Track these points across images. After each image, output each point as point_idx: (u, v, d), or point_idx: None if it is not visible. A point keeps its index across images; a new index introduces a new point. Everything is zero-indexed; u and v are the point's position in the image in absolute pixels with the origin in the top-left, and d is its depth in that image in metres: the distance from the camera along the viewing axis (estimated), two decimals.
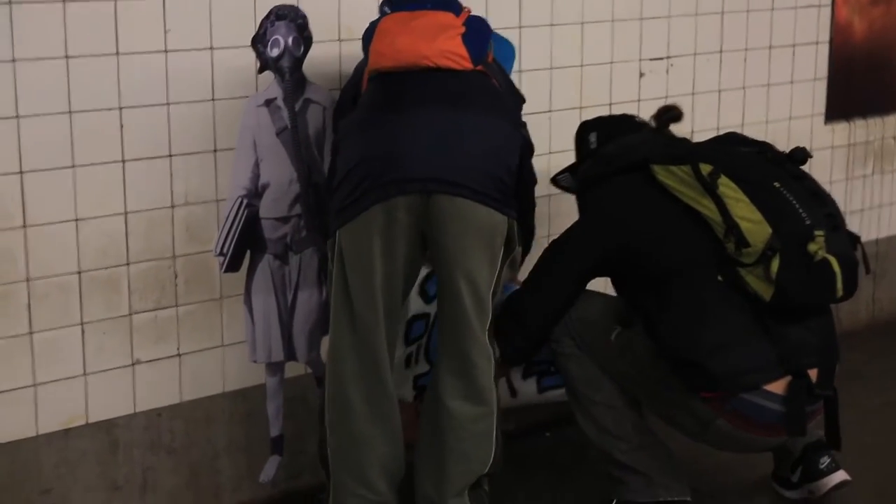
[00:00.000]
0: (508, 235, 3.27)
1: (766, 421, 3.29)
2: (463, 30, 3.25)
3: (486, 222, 3.16)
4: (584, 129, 3.82)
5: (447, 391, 3.25)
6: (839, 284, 3.24)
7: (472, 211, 3.14)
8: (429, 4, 3.31)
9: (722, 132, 4.40)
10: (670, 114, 3.68)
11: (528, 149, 3.49)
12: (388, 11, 3.34)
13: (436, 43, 3.21)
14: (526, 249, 3.51)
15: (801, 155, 3.46)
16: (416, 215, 3.15)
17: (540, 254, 3.65)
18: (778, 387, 3.27)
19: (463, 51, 3.23)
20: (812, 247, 3.20)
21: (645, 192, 3.43)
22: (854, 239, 3.38)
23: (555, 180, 3.85)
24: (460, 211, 3.13)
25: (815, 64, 4.89)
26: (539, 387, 4.10)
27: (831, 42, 4.92)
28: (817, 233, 3.22)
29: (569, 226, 3.65)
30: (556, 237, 3.65)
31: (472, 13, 3.35)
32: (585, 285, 3.61)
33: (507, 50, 3.81)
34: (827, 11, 4.88)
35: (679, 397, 3.35)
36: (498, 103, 3.28)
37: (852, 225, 5.04)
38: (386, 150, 3.16)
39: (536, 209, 3.51)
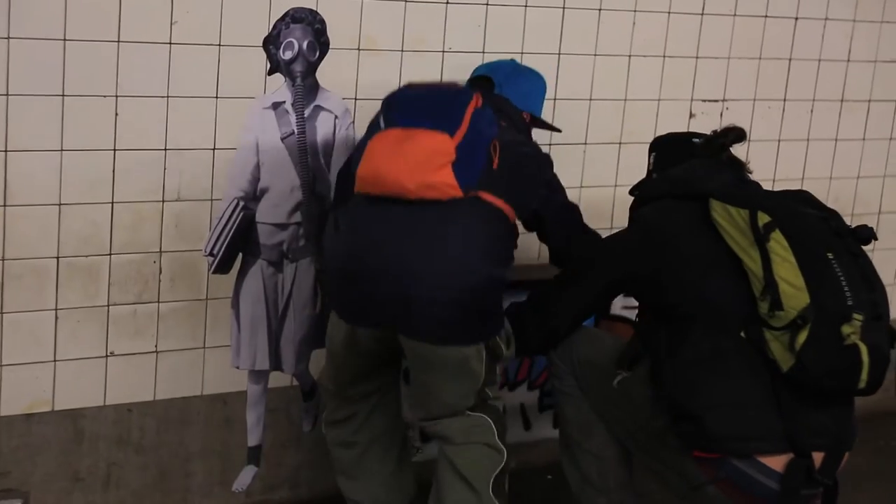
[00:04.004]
0: (490, 353, 3.18)
1: (759, 496, 3.08)
2: (453, 157, 3.00)
3: (453, 359, 3.10)
4: (651, 147, 3.66)
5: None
6: (864, 375, 2.98)
7: (438, 352, 3.08)
8: (427, 123, 3.03)
9: (779, 184, 4.23)
10: (732, 135, 3.46)
11: (566, 214, 3.48)
12: (382, 124, 3.10)
13: (419, 175, 2.99)
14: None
15: (865, 234, 3.19)
16: (382, 341, 3.15)
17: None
18: (777, 463, 3.06)
19: (451, 179, 3.01)
20: (846, 329, 2.97)
21: (694, 224, 3.24)
22: (893, 335, 3.12)
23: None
24: (424, 353, 3.09)
25: (892, 123, 4.62)
26: (555, 421, 3.97)
27: None
28: (856, 316, 2.98)
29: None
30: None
31: (481, 105, 3.13)
32: (611, 297, 3.51)
33: (536, 84, 3.60)
34: None
35: (673, 455, 3.17)
36: (481, 233, 3.08)
37: None
38: (356, 272, 3.08)
39: None
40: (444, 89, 3.27)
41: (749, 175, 3.49)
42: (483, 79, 3.49)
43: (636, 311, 3.59)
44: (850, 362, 2.97)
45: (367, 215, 3.08)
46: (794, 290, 3.00)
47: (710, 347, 3.10)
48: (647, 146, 3.96)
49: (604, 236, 3.53)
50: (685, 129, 4.13)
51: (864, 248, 3.19)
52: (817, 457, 3.06)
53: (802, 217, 3.17)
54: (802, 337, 2.96)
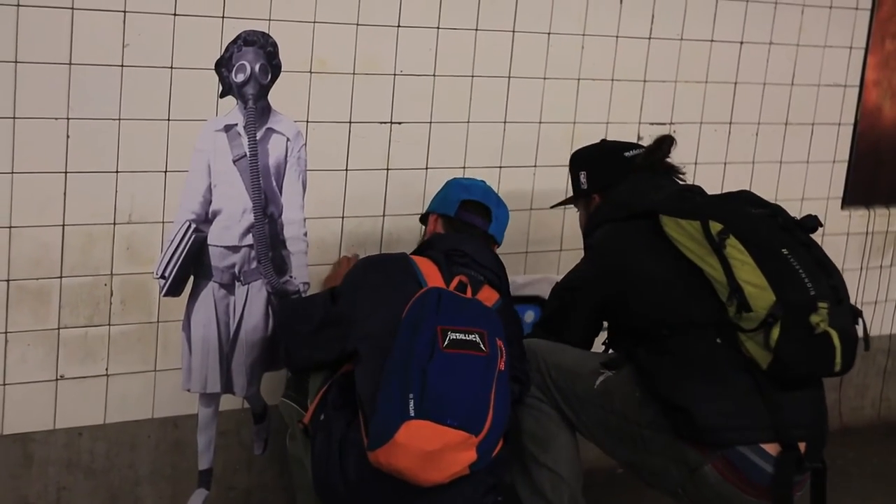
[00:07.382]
0: None
1: (754, 479, 3.13)
2: (474, 459, 2.98)
3: None
4: (575, 163, 3.69)
5: None
6: (838, 359, 3.09)
7: None
8: (454, 420, 2.94)
9: None
10: (667, 144, 3.55)
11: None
12: (413, 406, 2.94)
13: (438, 480, 3.00)
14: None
15: (811, 223, 3.30)
16: None
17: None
18: (771, 448, 3.13)
19: (465, 472, 3.01)
20: (814, 318, 3.05)
21: (650, 242, 3.30)
22: (856, 313, 3.20)
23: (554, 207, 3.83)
24: None
25: (835, 146, 4.69)
26: None
27: (856, 125, 4.72)
28: (821, 304, 3.07)
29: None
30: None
31: (503, 366, 3.09)
32: (599, 328, 3.52)
33: (507, 215, 3.58)
34: (854, 92, 4.68)
35: (667, 440, 3.20)
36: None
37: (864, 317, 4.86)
38: None
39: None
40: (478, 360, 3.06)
41: (683, 178, 3.56)
42: (479, 205, 3.47)
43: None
44: (824, 349, 3.08)
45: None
46: (758, 290, 3.10)
47: (688, 355, 3.19)
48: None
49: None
50: None
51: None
52: (801, 445, 3.14)
53: (752, 218, 3.27)
54: (776, 334, 3.06)
